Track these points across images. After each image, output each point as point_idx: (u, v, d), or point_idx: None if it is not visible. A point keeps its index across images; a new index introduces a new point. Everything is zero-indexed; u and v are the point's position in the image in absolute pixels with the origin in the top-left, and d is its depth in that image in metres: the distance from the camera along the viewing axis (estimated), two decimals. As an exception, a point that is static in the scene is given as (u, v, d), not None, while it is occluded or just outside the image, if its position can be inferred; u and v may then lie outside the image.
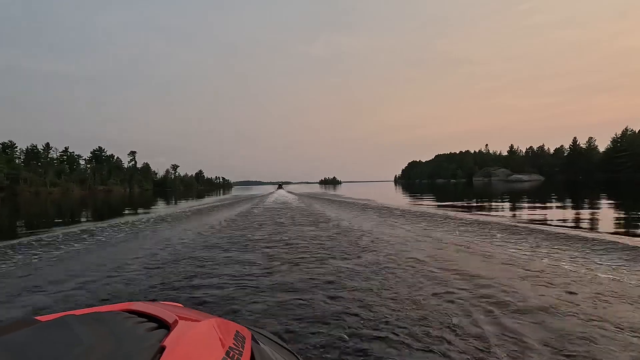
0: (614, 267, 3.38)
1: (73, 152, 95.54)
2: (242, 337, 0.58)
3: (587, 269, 3.31)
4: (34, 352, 0.40)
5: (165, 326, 0.55)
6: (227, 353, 0.49)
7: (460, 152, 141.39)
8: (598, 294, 2.59)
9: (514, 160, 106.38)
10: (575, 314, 2.20)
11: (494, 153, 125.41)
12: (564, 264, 3.51)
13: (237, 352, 0.51)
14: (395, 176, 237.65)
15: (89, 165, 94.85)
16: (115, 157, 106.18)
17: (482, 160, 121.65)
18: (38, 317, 0.52)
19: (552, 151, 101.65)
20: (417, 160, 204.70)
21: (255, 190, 52.84)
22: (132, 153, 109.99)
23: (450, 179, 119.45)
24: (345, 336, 1.93)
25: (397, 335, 1.94)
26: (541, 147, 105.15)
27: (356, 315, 2.23)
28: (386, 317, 2.19)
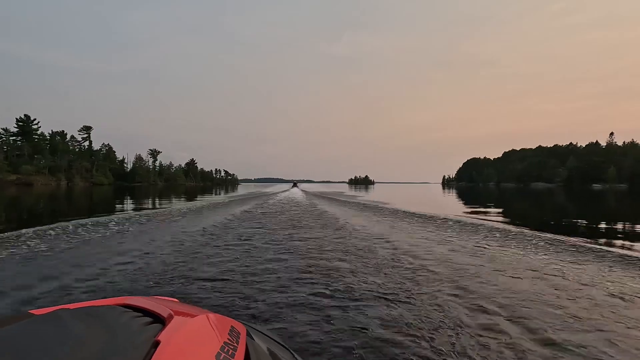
0: None
1: (-9, 124, 61.81)
2: (237, 333, 0.58)
3: None
4: (27, 346, 0.40)
5: (160, 321, 0.54)
6: (222, 348, 0.48)
7: (570, 144, 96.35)
8: None
9: None
10: None
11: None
12: None
13: (232, 347, 0.51)
14: (445, 177, 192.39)
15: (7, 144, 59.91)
16: (69, 137, 71.38)
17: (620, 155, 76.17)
18: (32, 311, 0.51)
19: None
20: (481, 158, 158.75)
21: (270, 188, 45.62)
22: (86, 129, 73.93)
23: (592, 184, 75.00)
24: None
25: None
26: None
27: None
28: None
